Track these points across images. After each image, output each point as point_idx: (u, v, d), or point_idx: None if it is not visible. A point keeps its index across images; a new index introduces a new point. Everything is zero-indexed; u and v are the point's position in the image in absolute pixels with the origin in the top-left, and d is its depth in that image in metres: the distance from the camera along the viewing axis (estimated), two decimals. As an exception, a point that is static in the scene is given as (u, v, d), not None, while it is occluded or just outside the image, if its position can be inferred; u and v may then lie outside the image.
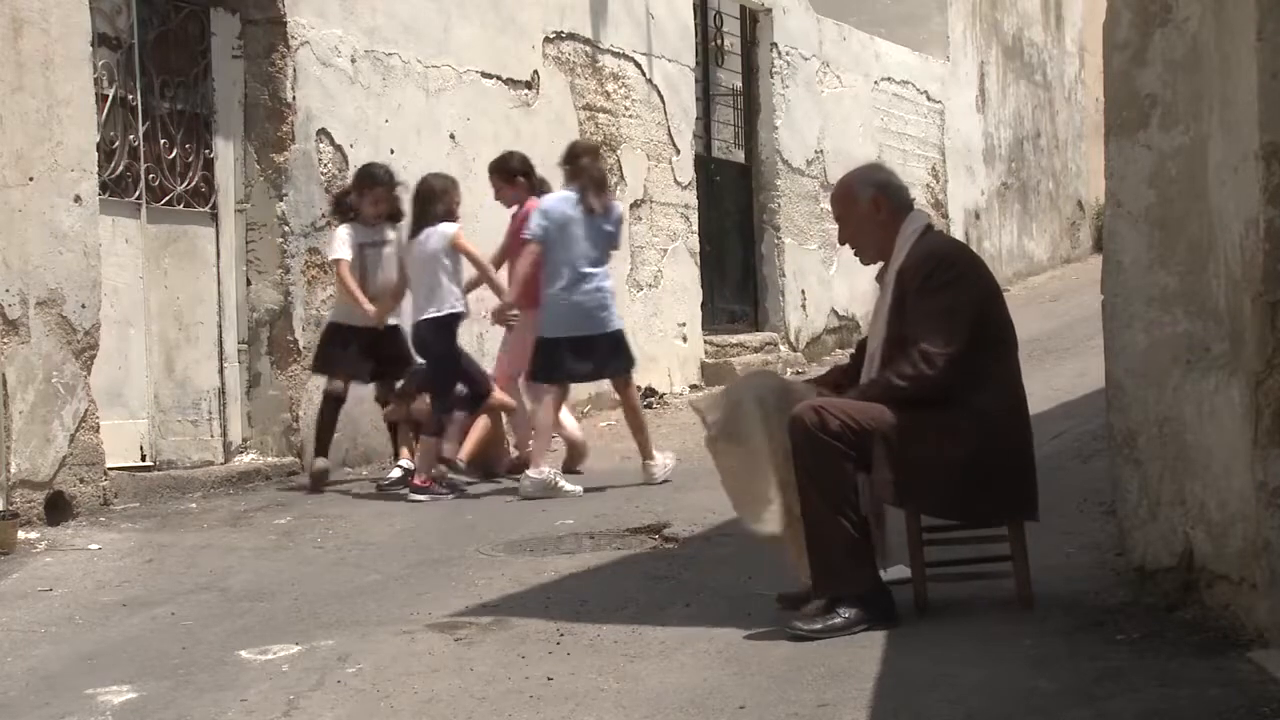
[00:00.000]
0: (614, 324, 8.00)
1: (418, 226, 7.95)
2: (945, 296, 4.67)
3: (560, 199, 8.05)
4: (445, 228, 7.90)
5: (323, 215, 8.69)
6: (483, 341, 9.36)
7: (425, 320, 7.86)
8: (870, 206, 4.92)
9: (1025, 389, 4.84)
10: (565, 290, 7.85)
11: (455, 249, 7.89)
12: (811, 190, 14.19)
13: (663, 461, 8.00)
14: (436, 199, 7.95)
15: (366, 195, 8.11)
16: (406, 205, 8.14)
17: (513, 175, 8.50)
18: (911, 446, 4.58)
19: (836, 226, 5.15)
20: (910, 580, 4.81)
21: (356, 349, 8.03)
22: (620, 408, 8.45)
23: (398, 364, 8.20)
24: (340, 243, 8.07)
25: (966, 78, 17.50)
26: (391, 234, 8.19)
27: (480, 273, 8.07)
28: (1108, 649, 4.21)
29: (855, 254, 5.04)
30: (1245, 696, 3.65)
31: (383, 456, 8.40)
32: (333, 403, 8.03)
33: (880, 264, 4.97)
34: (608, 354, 7.98)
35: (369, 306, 7.94)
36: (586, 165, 8.07)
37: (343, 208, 8.29)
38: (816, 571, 4.69)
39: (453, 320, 7.91)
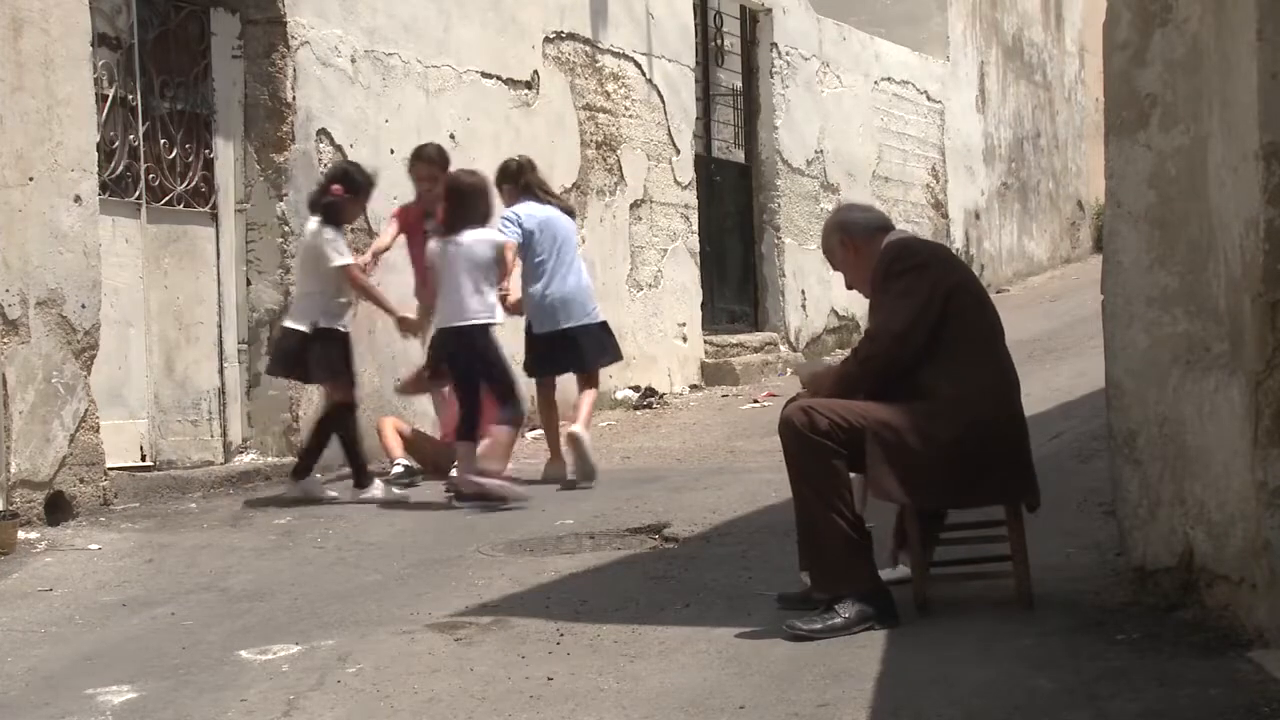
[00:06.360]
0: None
1: (459, 226, 7.62)
2: (902, 282, 4.77)
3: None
4: (496, 234, 7.78)
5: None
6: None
7: (486, 325, 7.63)
8: (843, 250, 5.07)
9: (1015, 375, 4.86)
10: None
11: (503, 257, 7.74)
12: (811, 190, 14.20)
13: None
14: (480, 198, 7.76)
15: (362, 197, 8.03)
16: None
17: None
18: (902, 439, 4.60)
19: None
20: (910, 580, 4.82)
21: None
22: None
23: None
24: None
25: (966, 78, 17.51)
26: None
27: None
28: (1108, 649, 4.22)
29: (862, 293, 5.12)
30: (1245, 696, 3.65)
31: (381, 456, 8.37)
32: None
33: None
34: None
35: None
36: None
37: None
38: (815, 571, 4.71)
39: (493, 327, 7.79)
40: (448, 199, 7.75)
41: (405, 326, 8.18)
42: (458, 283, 7.58)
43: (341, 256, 7.67)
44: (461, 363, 7.71)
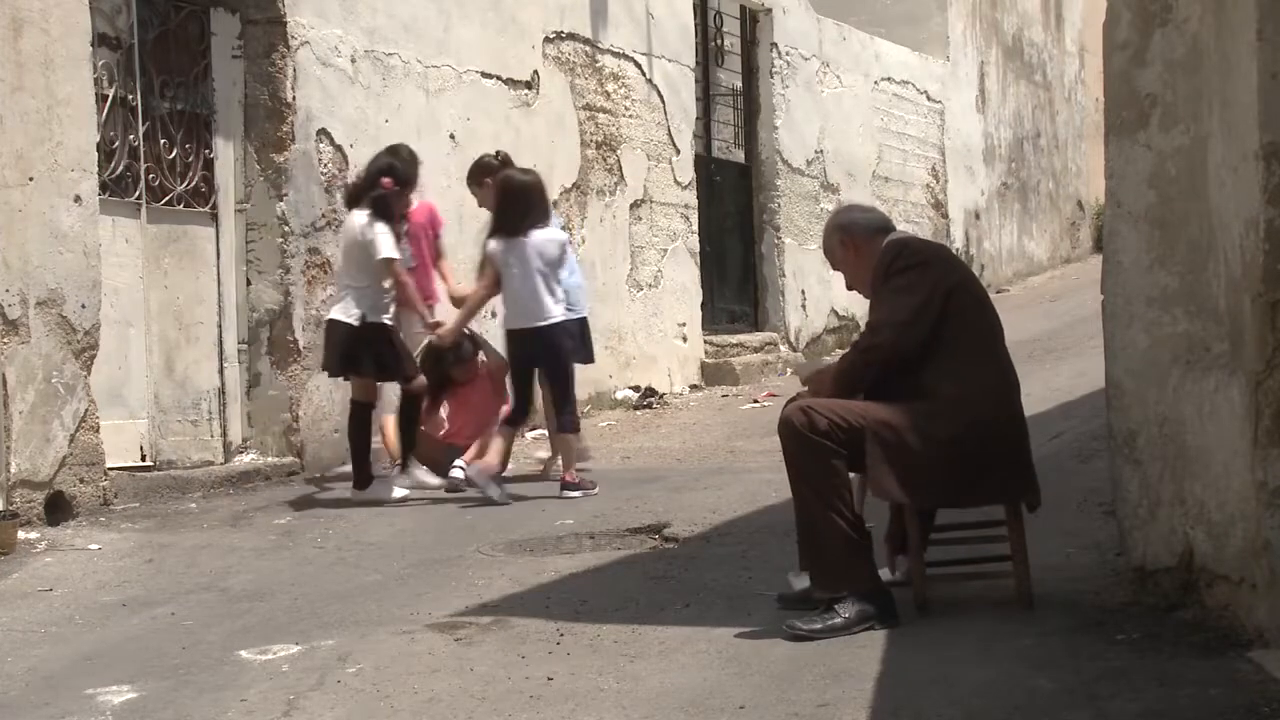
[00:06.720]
0: None
1: (524, 226, 7.63)
2: (903, 279, 4.79)
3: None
4: (560, 232, 7.83)
5: (323, 215, 8.69)
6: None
7: (563, 323, 7.69)
8: (844, 250, 5.07)
9: (1015, 375, 4.86)
10: None
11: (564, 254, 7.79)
12: (811, 190, 14.20)
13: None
14: (540, 196, 7.79)
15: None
16: None
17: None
18: (902, 439, 4.60)
19: None
20: (910, 580, 4.82)
21: None
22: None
23: None
24: None
25: (966, 78, 17.51)
26: None
27: None
28: (1108, 649, 4.22)
29: (862, 293, 5.12)
30: (1245, 696, 3.66)
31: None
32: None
33: None
34: None
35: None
36: None
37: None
38: (815, 571, 4.71)
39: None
40: (504, 199, 7.72)
41: (436, 331, 7.97)
42: (533, 282, 7.59)
43: (390, 249, 7.57)
44: (529, 360, 7.73)
